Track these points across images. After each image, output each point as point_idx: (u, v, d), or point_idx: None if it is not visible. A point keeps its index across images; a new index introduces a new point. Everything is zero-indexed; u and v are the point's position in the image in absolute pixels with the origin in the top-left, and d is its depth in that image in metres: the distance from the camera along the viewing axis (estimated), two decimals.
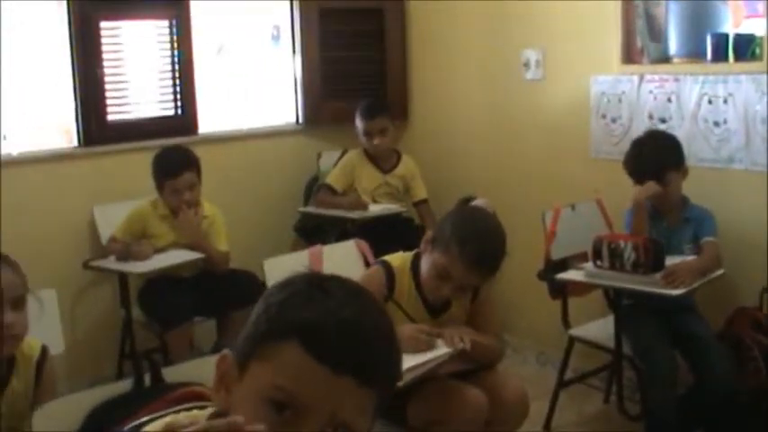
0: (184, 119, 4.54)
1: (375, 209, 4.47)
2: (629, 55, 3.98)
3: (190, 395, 1.35)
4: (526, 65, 4.38)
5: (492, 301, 2.98)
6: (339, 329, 1.15)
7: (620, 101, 4.01)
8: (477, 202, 3.08)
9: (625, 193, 3.53)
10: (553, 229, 3.72)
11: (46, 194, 4.11)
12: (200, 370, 1.91)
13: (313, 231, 4.59)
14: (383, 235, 3.86)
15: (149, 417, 1.26)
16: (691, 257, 3.35)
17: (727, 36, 3.68)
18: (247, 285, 3.74)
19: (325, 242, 3.71)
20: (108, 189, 4.23)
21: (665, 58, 3.96)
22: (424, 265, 2.75)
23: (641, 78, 3.92)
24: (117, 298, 4.01)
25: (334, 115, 4.93)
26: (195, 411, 1.27)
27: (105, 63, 4.23)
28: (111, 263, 3.89)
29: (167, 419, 1.23)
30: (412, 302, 2.80)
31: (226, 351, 1.24)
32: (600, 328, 3.63)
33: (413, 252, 2.86)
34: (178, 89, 4.49)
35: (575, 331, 3.69)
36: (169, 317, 3.78)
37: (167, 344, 3.76)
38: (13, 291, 2.32)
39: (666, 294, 3.15)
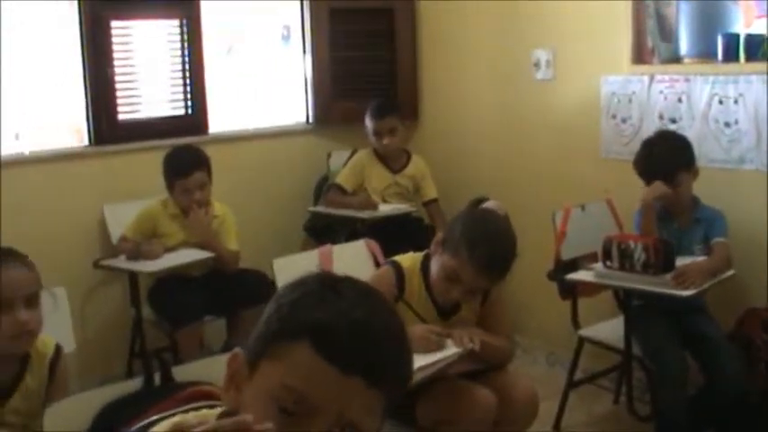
0: (195, 118, 4.55)
1: (385, 209, 4.46)
2: (640, 55, 3.97)
3: (199, 394, 1.35)
4: (536, 65, 4.37)
5: (503, 301, 2.97)
6: (350, 331, 1.15)
7: (630, 101, 4.00)
8: (489, 205, 3.03)
9: (635, 193, 3.52)
10: (563, 229, 3.71)
11: (56, 193, 4.12)
12: (210, 369, 1.91)
13: (323, 231, 4.59)
14: (393, 235, 3.86)
15: (159, 416, 1.26)
16: (701, 258, 3.34)
17: (738, 36, 3.66)
18: (257, 285, 3.75)
19: (334, 242, 3.70)
20: (118, 188, 4.25)
21: (675, 59, 3.95)
22: (434, 267, 2.74)
23: (652, 78, 3.91)
24: (127, 297, 4.02)
25: (344, 115, 4.93)
26: (204, 411, 1.27)
27: (116, 63, 4.24)
28: (121, 262, 3.90)
29: (176, 419, 1.23)
30: (422, 303, 2.79)
31: (237, 349, 1.24)
32: (610, 329, 3.62)
33: (423, 253, 2.85)
34: (188, 89, 4.50)
35: (584, 332, 3.69)
36: (179, 316, 3.79)
37: (177, 343, 3.77)
38: (28, 288, 2.34)
39: (677, 295, 3.14)
